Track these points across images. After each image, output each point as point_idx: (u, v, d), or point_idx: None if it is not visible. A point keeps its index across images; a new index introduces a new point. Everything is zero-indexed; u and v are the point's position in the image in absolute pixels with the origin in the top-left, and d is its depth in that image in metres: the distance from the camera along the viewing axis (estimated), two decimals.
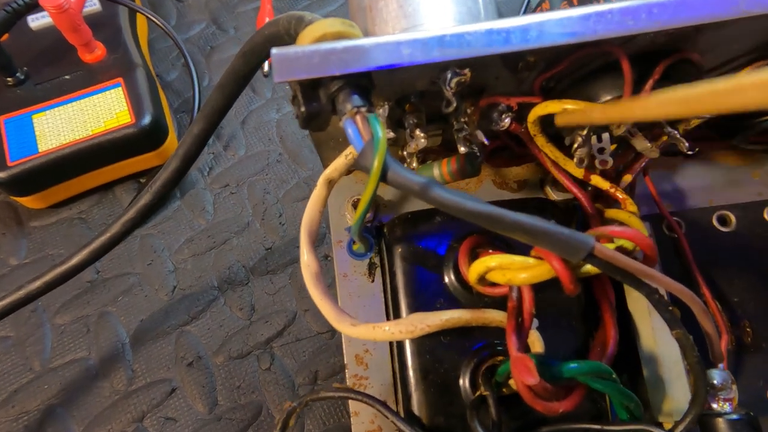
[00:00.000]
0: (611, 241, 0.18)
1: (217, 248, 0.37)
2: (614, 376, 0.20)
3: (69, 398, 0.32)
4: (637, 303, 0.25)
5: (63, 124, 0.36)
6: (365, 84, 0.17)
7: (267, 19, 0.45)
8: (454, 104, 0.19)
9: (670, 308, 0.18)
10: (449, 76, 0.18)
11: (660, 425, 0.20)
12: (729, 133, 0.28)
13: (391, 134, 0.20)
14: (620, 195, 0.22)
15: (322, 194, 0.20)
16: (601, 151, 0.22)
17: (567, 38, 0.17)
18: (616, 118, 0.18)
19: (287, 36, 0.19)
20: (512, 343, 0.18)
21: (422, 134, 0.20)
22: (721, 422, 0.20)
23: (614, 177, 0.23)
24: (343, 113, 0.16)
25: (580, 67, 0.20)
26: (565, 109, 0.20)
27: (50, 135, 0.35)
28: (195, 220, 0.38)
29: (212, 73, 0.44)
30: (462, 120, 0.21)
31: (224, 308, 0.35)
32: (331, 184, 0.20)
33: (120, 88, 0.37)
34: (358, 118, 0.16)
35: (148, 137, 0.37)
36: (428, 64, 0.17)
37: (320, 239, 0.37)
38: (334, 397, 0.23)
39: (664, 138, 0.21)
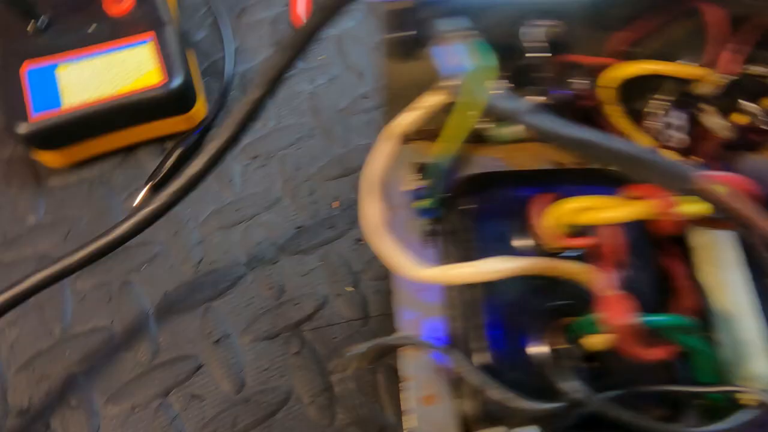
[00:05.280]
0: None
1: (246, 222, 0.36)
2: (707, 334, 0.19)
3: (91, 367, 0.31)
4: (710, 276, 0.23)
5: (89, 80, 0.34)
6: (460, 12, 0.16)
7: None
8: (535, 55, 0.18)
9: None
10: (527, 28, 0.17)
11: None
12: None
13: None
14: None
15: (390, 147, 0.20)
16: (675, 127, 0.21)
17: None
18: None
19: None
20: (605, 281, 0.17)
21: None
22: None
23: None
24: (443, 35, 0.15)
25: (662, 30, 0.19)
26: (644, 69, 0.19)
27: (75, 90, 0.33)
28: (221, 192, 0.36)
29: (244, 37, 0.42)
30: (534, 74, 0.20)
31: (252, 286, 0.34)
32: (400, 138, 0.20)
33: (150, 45, 0.35)
34: (462, 41, 0.15)
35: (178, 100, 0.35)
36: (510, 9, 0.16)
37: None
38: (407, 344, 0.21)
39: (742, 120, 0.20)
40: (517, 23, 0.17)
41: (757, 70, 0.19)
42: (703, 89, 0.19)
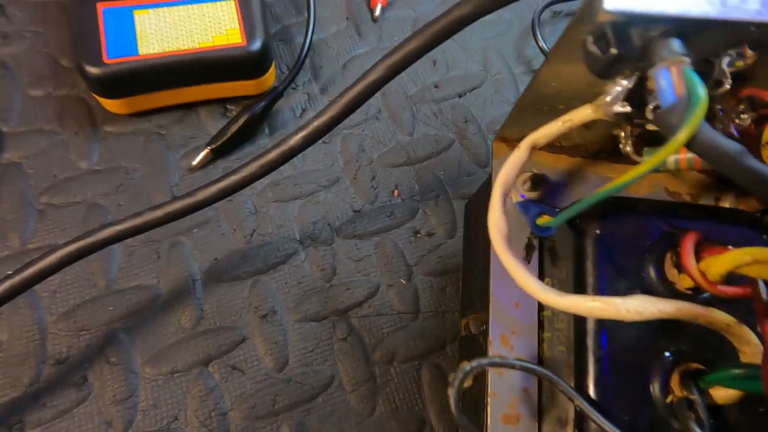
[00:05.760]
0: None
1: (303, 199, 0.35)
2: None
3: (133, 325, 0.30)
4: None
5: (167, 29, 0.32)
6: (687, 35, 0.15)
7: None
8: (728, 87, 0.17)
9: None
10: (730, 58, 0.16)
11: None
12: None
13: (626, 108, 0.17)
14: None
15: (522, 157, 0.20)
16: None
17: None
18: None
19: None
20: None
21: None
22: None
23: None
24: (659, 60, 0.14)
25: None
26: None
27: (152, 38, 0.32)
28: None
29: (316, 5, 0.41)
30: (718, 107, 0.18)
31: (304, 264, 0.33)
32: (534, 148, 0.20)
33: (232, 2, 0.34)
34: (675, 67, 0.14)
35: (254, 64, 0.34)
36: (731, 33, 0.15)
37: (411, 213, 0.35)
38: (516, 367, 0.20)
39: None
40: (720, 51, 0.16)
41: None
42: None
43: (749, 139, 0.19)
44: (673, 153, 0.14)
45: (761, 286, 0.16)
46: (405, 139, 0.37)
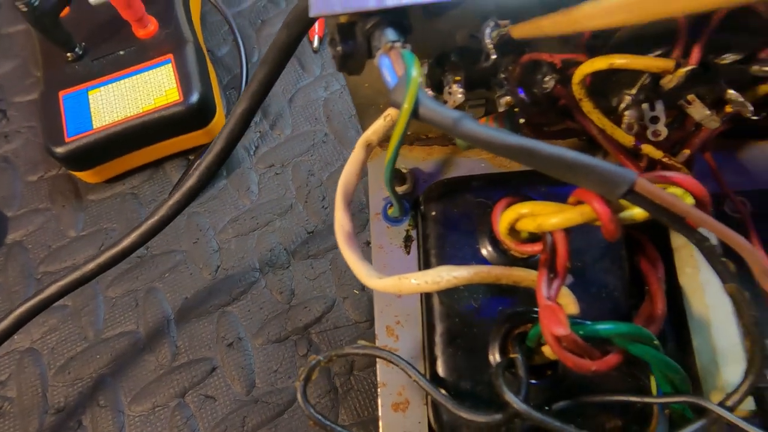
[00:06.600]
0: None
1: (260, 229, 0.37)
2: (656, 342, 0.18)
3: (118, 369, 0.33)
4: (689, 278, 0.22)
5: (116, 101, 0.36)
6: (403, 24, 0.17)
7: None
8: (494, 56, 0.18)
9: (723, 259, 0.16)
10: (489, 29, 0.17)
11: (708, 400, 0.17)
12: None
13: (429, 93, 0.19)
14: (676, 165, 0.20)
15: (359, 156, 0.20)
16: (655, 120, 0.20)
17: None
18: (567, 29, 0.16)
19: None
20: (541, 292, 0.17)
21: (460, 89, 0.19)
22: None
23: (669, 151, 0.21)
24: (377, 49, 0.16)
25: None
26: (612, 64, 0.18)
27: (104, 111, 0.36)
28: (240, 200, 0.38)
29: (262, 48, 0.44)
30: (502, 76, 0.20)
31: (265, 291, 0.35)
32: (369, 147, 0.20)
33: (170, 65, 0.37)
34: (392, 53, 0.15)
35: (195, 115, 0.37)
36: (467, 11, 0.16)
37: (361, 225, 0.36)
38: (359, 354, 0.21)
39: (728, 109, 0.19)
40: (478, 25, 0.17)
41: (730, 58, 0.17)
42: (674, 81, 0.18)
43: (569, 100, 0.19)
44: (402, 127, 0.15)
45: (548, 239, 0.16)
46: None
